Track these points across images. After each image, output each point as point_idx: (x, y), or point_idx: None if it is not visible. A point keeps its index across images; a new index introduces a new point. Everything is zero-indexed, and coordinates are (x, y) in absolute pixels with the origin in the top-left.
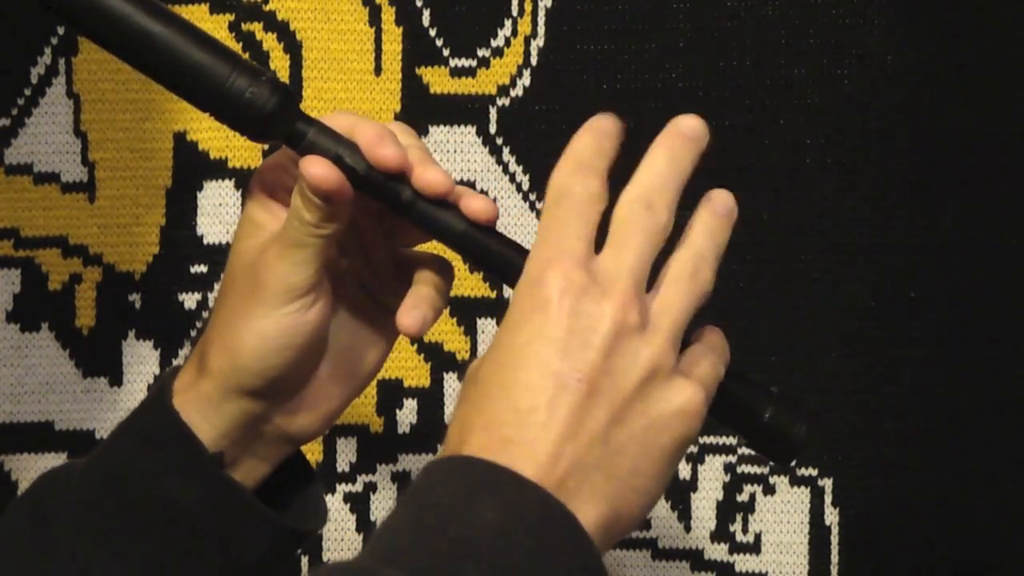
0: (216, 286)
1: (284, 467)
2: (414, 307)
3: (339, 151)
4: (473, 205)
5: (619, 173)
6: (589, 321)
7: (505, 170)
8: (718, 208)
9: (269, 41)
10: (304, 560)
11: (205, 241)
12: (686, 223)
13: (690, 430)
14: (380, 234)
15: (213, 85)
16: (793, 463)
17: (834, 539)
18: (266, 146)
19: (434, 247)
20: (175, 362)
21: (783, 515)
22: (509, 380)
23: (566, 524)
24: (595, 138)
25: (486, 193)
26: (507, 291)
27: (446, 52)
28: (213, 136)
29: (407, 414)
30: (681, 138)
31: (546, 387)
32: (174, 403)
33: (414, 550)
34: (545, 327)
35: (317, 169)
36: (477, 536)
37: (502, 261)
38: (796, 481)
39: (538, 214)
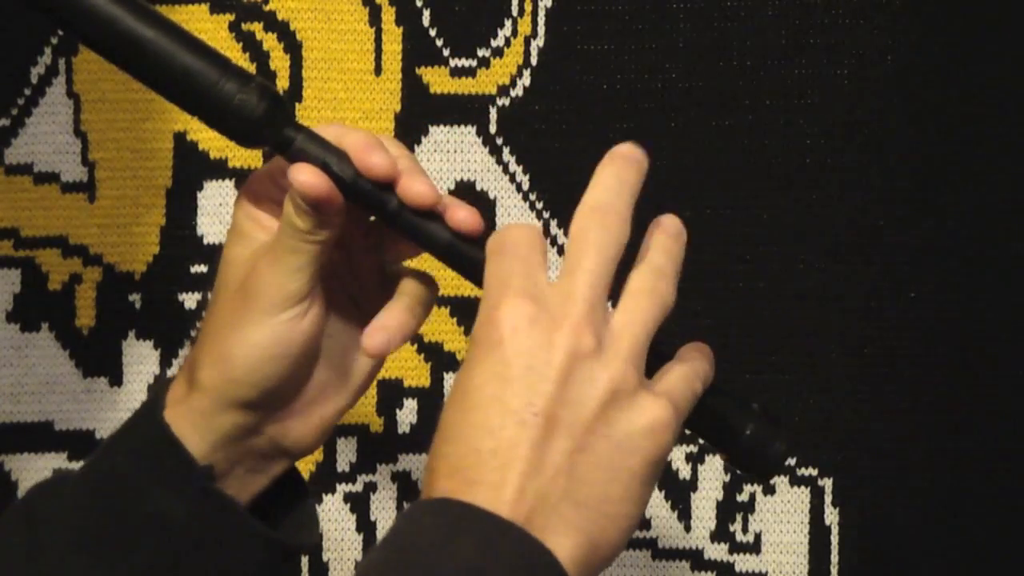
0: None
1: (279, 482)
2: (381, 329)
3: (327, 158)
4: (458, 216)
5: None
6: (542, 354)
7: (505, 170)
8: (669, 229)
9: (269, 41)
10: (304, 561)
11: (205, 241)
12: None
13: (660, 448)
14: (368, 247)
15: (202, 89)
16: (774, 478)
17: (834, 539)
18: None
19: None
20: (175, 362)
21: (783, 515)
22: (467, 423)
23: (541, 559)
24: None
25: (486, 193)
26: None
27: (446, 52)
28: (213, 136)
29: (407, 414)
30: (621, 159)
31: (504, 426)
32: (165, 416)
33: None
34: (499, 367)
35: (305, 177)
36: (455, 574)
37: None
38: (796, 481)
39: (538, 214)
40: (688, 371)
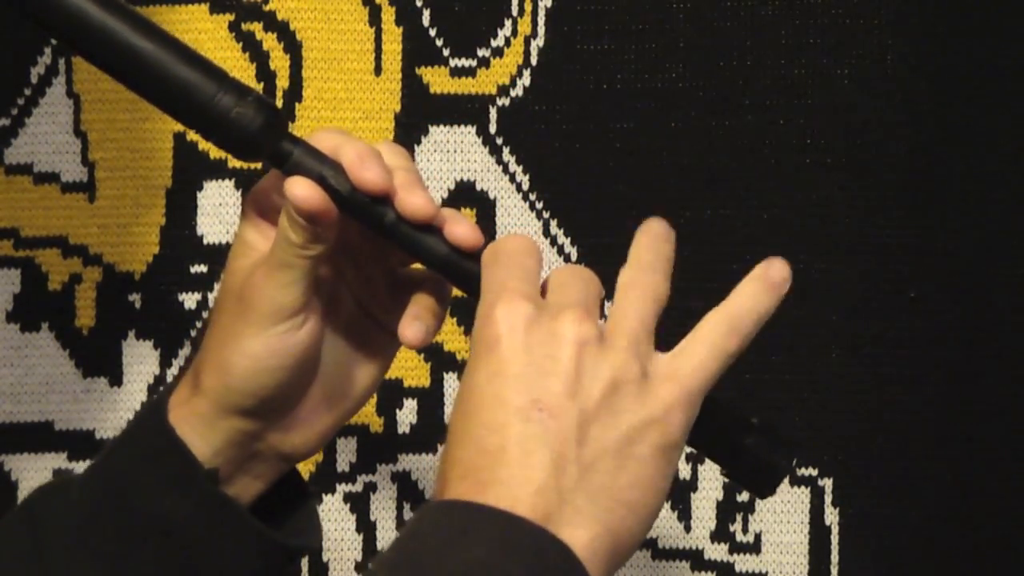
0: (216, 286)
1: (280, 484)
2: (416, 317)
3: (323, 171)
4: (457, 231)
5: (623, 162)
6: (545, 348)
7: (505, 170)
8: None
9: (269, 41)
10: (304, 561)
11: (205, 241)
12: (690, 220)
13: (668, 436)
14: (375, 252)
15: (199, 103)
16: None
17: (834, 539)
18: None
19: None
20: (175, 362)
21: (783, 515)
22: (474, 424)
23: (558, 552)
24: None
25: (486, 193)
26: None
27: (446, 52)
28: None
29: (407, 414)
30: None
31: (510, 424)
32: (169, 418)
33: None
34: (500, 365)
35: (300, 190)
36: (470, 573)
37: None
38: (796, 481)
39: (538, 214)
40: (704, 347)
